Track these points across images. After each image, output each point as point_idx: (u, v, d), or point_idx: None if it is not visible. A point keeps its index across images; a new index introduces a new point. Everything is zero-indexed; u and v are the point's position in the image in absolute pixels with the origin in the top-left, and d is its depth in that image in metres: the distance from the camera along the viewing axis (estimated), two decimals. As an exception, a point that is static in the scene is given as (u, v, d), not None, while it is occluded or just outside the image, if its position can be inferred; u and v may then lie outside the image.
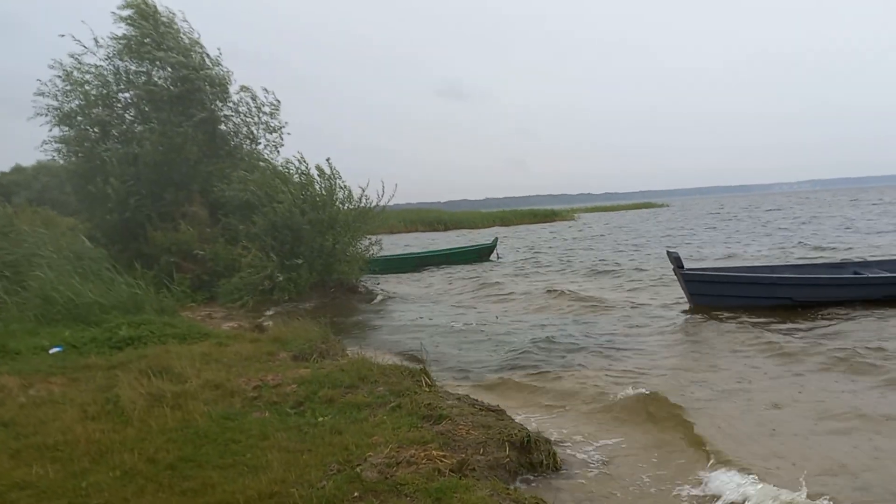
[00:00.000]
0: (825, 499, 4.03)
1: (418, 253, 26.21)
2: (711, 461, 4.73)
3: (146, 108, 16.41)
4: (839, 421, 5.55)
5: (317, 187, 14.63)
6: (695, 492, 4.38)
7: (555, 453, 4.96)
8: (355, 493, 3.75)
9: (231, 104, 17.09)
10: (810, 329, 9.02)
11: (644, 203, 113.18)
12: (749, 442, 5.17)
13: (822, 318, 9.55)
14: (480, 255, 24.70)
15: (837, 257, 16.16)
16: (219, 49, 17.23)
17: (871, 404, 5.93)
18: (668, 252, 11.59)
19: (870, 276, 10.97)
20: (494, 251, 25.03)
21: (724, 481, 4.38)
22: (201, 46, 16.86)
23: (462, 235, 44.42)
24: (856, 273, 11.43)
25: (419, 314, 12.37)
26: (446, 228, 55.42)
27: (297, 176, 14.89)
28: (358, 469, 4.05)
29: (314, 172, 14.84)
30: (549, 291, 14.34)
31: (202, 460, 4.26)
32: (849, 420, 5.56)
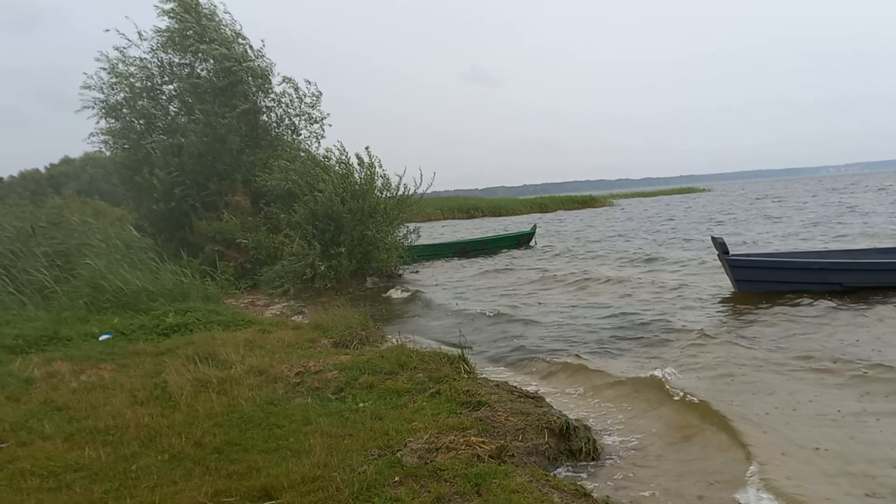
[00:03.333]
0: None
1: (457, 240, 26.24)
2: (751, 470, 4.43)
3: (190, 100, 16.72)
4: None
5: (356, 176, 14.75)
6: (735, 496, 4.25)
7: (594, 441, 4.95)
8: (396, 478, 3.81)
9: (273, 95, 17.32)
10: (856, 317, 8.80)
11: (685, 188, 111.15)
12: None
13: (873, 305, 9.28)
14: (519, 241, 24.63)
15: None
16: (262, 41, 17.48)
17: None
18: (712, 238, 11.40)
19: None
20: (533, 238, 24.95)
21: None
22: (244, 38, 17.11)
23: (498, 223, 44.23)
24: None
25: (457, 301, 12.40)
26: (483, 215, 55.28)
27: (337, 165, 15.03)
28: (398, 454, 4.11)
29: (353, 161, 14.96)
30: (587, 278, 14.23)
31: (247, 444, 4.37)
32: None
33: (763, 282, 10.67)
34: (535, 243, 24.62)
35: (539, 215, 50.84)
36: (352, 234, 14.00)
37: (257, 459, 4.09)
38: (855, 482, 4.20)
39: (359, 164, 14.89)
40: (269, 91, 17.21)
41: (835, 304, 9.51)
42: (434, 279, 16.48)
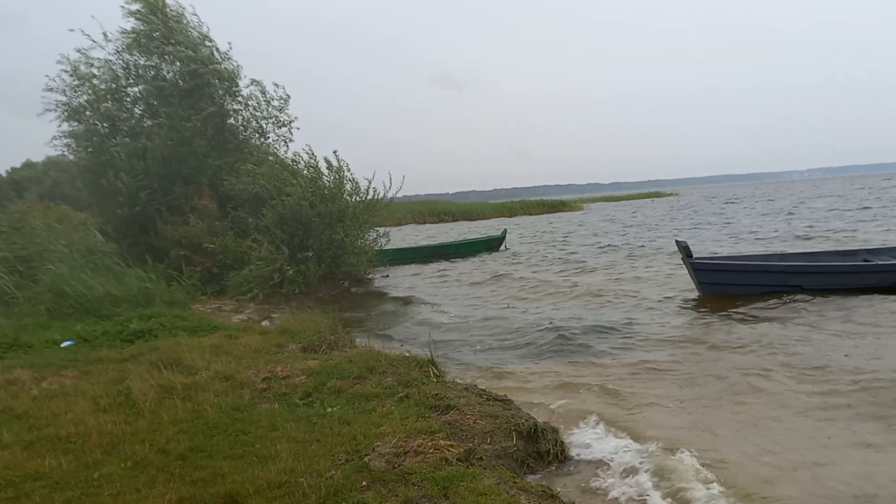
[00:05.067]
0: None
1: (428, 245, 26.24)
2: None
3: (155, 103, 16.48)
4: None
5: (325, 180, 14.68)
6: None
7: (562, 442, 4.98)
8: (363, 483, 3.79)
9: (240, 98, 17.16)
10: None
11: (653, 192, 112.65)
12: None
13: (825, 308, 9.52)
14: (490, 246, 24.69)
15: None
16: (229, 43, 17.31)
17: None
18: (676, 241, 11.57)
19: (878, 263, 10.90)
20: (503, 242, 25.03)
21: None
22: (210, 40, 16.92)
23: (470, 227, 44.37)
24: (865, 260, 11.36)
25: (428, 305, 12.41)
26: (455, 219, 55.39)
27: (305, 169, 14.94)
28: (366, 459, 4.10)
29: (322, 165, 14.88)
30: (557, 281, 14.35)
31: (212, 451, 4.32)
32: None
33: (726, 284, 10.86)
34: (506, 247, 24.72)
35: (510, 219, 51.12)
36: (321, 239, 13.91)
37: (223, 466, 4.05)
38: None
39: (327, 168, 14.82)
40: (236, 94, 17.05)
41: (788, 305, 9.75)
42: (405, 283, 16.47)
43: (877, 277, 10.35)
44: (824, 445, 4.87)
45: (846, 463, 4.56)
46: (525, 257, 20.73)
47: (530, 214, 59.04)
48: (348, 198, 14.83)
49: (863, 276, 10.44)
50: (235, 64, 17.12)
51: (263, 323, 10.41)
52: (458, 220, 54.99)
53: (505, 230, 26.15)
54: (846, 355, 7.10)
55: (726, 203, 51.41)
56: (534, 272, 16.74)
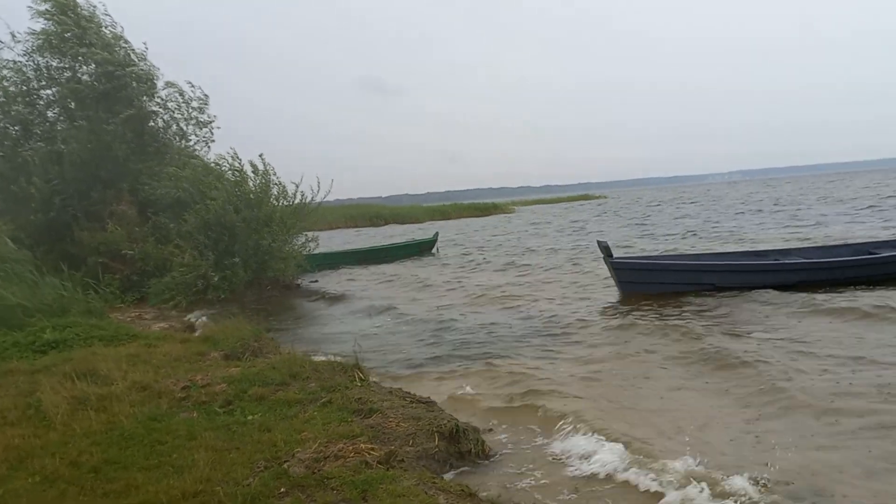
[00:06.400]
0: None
1: (358, 249, 26.11)
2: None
3: (72, 105, 15.91)
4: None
5: (250, 184, 14.44)
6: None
7: (483, 441, 5.07)
8: (281, 489, 3.78)
9: (159, 100, 16.72)
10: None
11: (582, 195, 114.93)
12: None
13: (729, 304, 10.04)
14: (421, 249, 24.76)
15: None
16: (144, 44, 16.85)
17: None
18: (598, 242, 11.89)
19: (786, 262, 11.47)
20: (435, 245, 25.12)
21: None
22: (125, 41, 16.42)
23: (401, 231, 44.37)
24: (776, 260, 11.93)
25: (356, 310, 12.38)
26: (387, 223, 55.31)
27: (230, 173, 14.67)
28: (285, 465, 4.08)
29: (247, 169, 14.64)
30: (486, 284, 14.52)
31: (127, 462, 4.22)
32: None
33: (644, 283, 11.24)
34: (438, 250, 24.81)
35: (442, 222, 51.34)
36: (246, 244, 13.68)
37: (137, 477, 3.96)
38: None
39: (253, 172, 14.59)
40: (154, 95, 16.61)
41: (700, 302, 10.24)
42: (334, 288, 16.36)
43: (782, 276, 10.88)
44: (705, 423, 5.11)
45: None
46: (456, 260, 20.90)
47: (462, 217, 59.49)
48: (275, 202, 14.63)
49: (771, 275, 10.96)
50: (151, 65, 16.69)
51: (185, 331, 10.17)
52: (390, 224, 54.97)
53: (437, 233, 26.27)
54: (745, 351, 7.48)
55: (648, 206, 53.19)
56: (464, 275, 16.91)
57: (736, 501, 3.85)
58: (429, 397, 5.82)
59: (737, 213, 32.65)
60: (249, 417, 5.04)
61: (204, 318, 11.36)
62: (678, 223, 29.01)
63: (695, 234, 22.47)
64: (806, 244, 14.91)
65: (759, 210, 33.52)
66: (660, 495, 4.08)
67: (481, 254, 22.77)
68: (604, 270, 12.36)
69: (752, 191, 68.52)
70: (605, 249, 11.38)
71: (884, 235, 15.85)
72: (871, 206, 28.20)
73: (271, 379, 5.95)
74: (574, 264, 16.80)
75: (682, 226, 27.12)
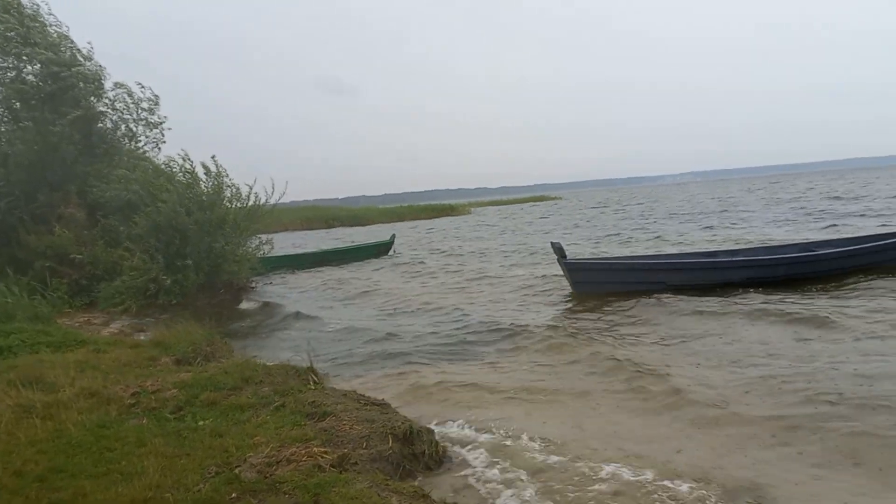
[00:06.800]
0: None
1: (314, 251, 25.92)
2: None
3: (16, 106, 15.51)
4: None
5: (202, 186, 14.23)
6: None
7: (437, 443, 5.12)
8: (233, 495, 3.76)
9: (107, 100, 16.38)
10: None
11: (538, 196, 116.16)
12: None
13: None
14: (378, 251, 24.67)
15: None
16: (89, 43, 16.49)
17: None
18: (551, 243, 12.05)
19: (733, 260, 11.81)
20: (392, 247, 25.06)
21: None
22: (71, 41, 16.06)
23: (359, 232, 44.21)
24: (724, 259, 12.25)
25: (311, 313, 12.30)
26: (343, 225, 55.07)
27: (181, 174, 14.43)
28: (237, 470, 4.06)
29: (199, 170, 14.42)
30: (444, 285, 14.59)
31: (74, 470, 4.15)
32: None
33: (597, 283, 11.44)
34: (395, 252, 24.77)
35: (399, 223, 51.32)
36: (199, 247, 13.47)
37: (84, 485, 3.90)
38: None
39: (205, 174, 14.38)
40: (102, 96, 16.27)
41: (650, 300, 10.48)
42: (289, 291, 16.25)
43: (730, 273, 11.19)
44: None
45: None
46: (412, 262, 20.91)
47: (419, 218, 59.54)
48: (228, 204, 14.45)
49: (719, 272, 11.26)
50: (98, 65, 16.35)
51: (136, 336, 9.99)
52: (347, 226, 54.75)
53: (393, 235, 26.22)
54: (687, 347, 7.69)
55: (591, 208, 54.21)
56: (419, 277, 16.95)
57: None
58: (383, 399, 5.85)
59: (671, 215, 34.15)
60: (201, 423, 5.00)
61: (155, 323, 11.18)
62: (613, 225, 30.44)
63: (618, 236, 23.97)
64: (728, 246, 15.60)
65: (698, 213, 34.46)
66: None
67: (436, 256, 22.86)
68: (548, 270, 12.56)
69: (698, 191, 70.83)
70: (559, 251, 11.55)
71: (777, 235, 16.68)
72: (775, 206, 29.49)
73: (224, 383, 5.90)
74: (529, 265, 16.98)
75: (617, 227, 28.52)
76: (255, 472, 4.07)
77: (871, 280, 10.52)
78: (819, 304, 9.29)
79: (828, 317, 8.27)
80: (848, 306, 8.92)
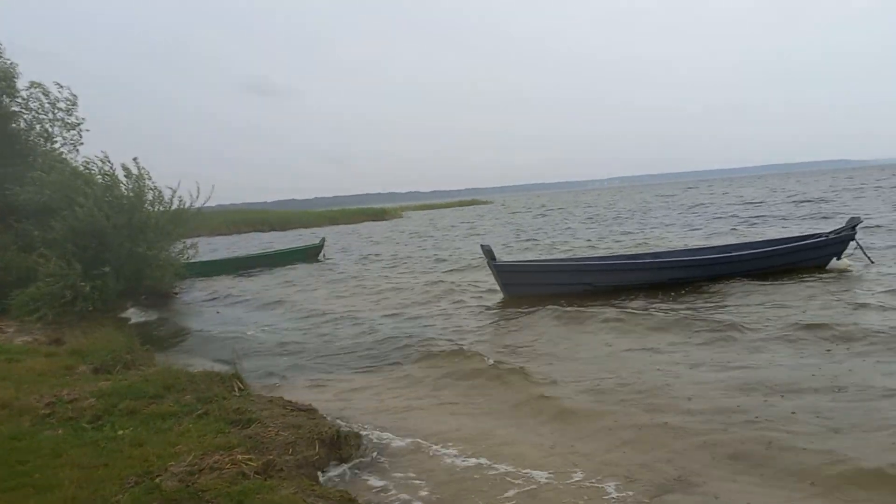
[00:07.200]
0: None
1: (241, 255, 25.42)
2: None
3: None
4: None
5: (123, 188, 13.77)
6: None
7: (365, 446, 5.16)
8: (154, 504, 3.70)
9: (20, 100, 15.67)
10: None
11: (470, 200, 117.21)
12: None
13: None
14: (307, 255, 24.37)
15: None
16: (-1, 41, 15.74)
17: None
18: (481, 245, 12.18)
19: (656, 261, 12.21)
20: (322, 251, 24.80)
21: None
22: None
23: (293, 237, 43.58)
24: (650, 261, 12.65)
25: (237, 318, 12.12)
26: (272, 229, 54.23)
27: (100, 177, 13.91)
28: (157, 480, 3.98)
29: (120, 172, 13.94)
30: (373, 288, 14.56)
31: (-16, 485, 3.99)
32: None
33: (527, 285, 11.63)
34: (325, 256, 24.53)
35: (330, 228, 50.90)
36: (119, 252, 13.02)
37: (-5, 500, 3.77)
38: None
39: (126, 176, 13.91)
40: (16, 95, 15.56)
41: (578, 301, 10.69)
42: (214, 297, 15.92)
43: (653, 274, 11.56)
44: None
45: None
46: (341, 268, 20.81)
47: (352, 222, 59.23)
48: (150, 207, 14.02)
49: (642, 273, 11.62)
50: (10, 62, 15.64)
51: (52, 345, 9.60)
52: (277, 230, 53.96)
53: (323, 239, 25.97)
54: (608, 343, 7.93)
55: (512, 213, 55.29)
56: (348, 281, 16.86)
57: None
58: (310, 405, 5.83)
59: (586, 219, 35.53)
60: (120, 432, 4.87)
61: (72, 331, 10.76)
62: (538, 229, 31.26)
63: (534, 241, 24.43)
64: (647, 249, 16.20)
65: (613, 217, 35.69)
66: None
67: (365, 260, 22.80)
68: (473, 276, 12.71)
69: (616, 198, 73.45)
70: (489, 253, 11.69)
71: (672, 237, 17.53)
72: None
73: (144, 392, 5.77)
74: (455, 269, 17.12)
75: (537, 231, 29.67)
76: (177, 480, 4.00)
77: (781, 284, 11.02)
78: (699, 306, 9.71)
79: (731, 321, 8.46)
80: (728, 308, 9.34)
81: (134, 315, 13.03)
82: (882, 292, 9.42)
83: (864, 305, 8.70)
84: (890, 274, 10.85)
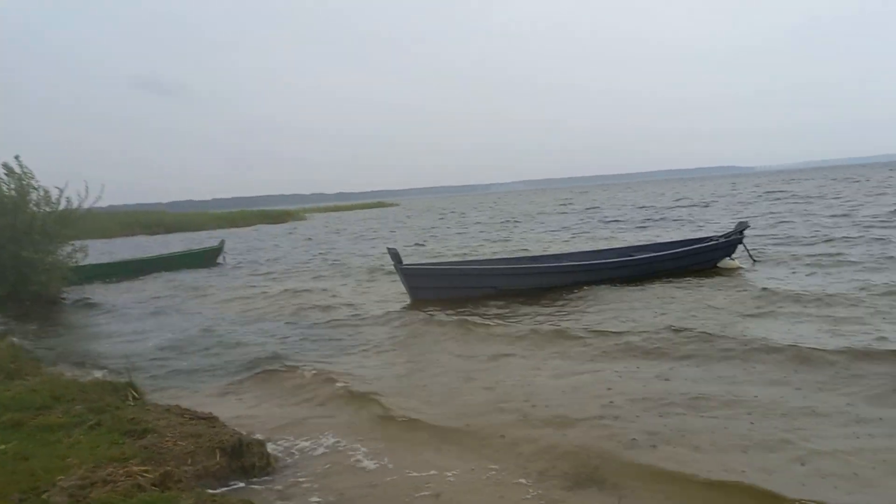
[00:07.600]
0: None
1: (135, 258, 24.35)
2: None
3: None
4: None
5: (4, 188, 12.96)
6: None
7: (268, 454, 5.05)
8: (41, 521, 3.51)
9: None
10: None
11: (376, 202, 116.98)
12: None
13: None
14: (206, 258, 23.61)
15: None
16: None
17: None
18: (388, 249, 12.16)
19: (559, 265, 12.57)
20: (221, 254, 24.08)
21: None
22: None
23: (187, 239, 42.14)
24: (550, 263, 13.00)
25: (130, 325, 11.60)
26: (168, 231, 52.27)
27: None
28: (45, 496, 3.78)
29: (0, 172, 13.11)
30: (274, 293, 14.29)
31: None
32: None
33: (433, 288, 11.69)
34: (224, 259, 23.83)
35: (231, 230, 49.54)
36: (1, 255, 12.25)
37: None
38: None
39: (7, 175, 13.09)
40: None
41: (482, 304, 10.88)
42: (108, 301, 15.18)
43: (555, 278, 11.90)
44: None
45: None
46: (240, 270, 20.34)
47: (252, 225, 57.86)
48: (35, 208, 13.26)
49: (546, 277, 11.94)
50: None
51: None
52: (173, 232, 52.05)
53: (222, 241, 25.23)
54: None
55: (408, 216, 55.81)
56: (246, 284, 16.50)
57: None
58: (210, 413, 5.67)
59: (474, 224, 36.54)
60: (3, 446, 4.59)
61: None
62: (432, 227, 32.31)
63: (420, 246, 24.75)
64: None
65: (502, 221, 36.82)
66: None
67: (266, 263, 22.37)
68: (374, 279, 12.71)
69: (514, 201, 75.85)
70: (395, 256, 11.68)
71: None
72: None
73: (30, 403, 5.46)
74: (362, 273, 17.07)
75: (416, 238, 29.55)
76: (67, 495, 3.81)
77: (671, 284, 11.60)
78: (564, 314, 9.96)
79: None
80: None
81: (17, 322, 12.24)
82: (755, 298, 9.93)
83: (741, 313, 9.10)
84: (773, 278, 11.53)
